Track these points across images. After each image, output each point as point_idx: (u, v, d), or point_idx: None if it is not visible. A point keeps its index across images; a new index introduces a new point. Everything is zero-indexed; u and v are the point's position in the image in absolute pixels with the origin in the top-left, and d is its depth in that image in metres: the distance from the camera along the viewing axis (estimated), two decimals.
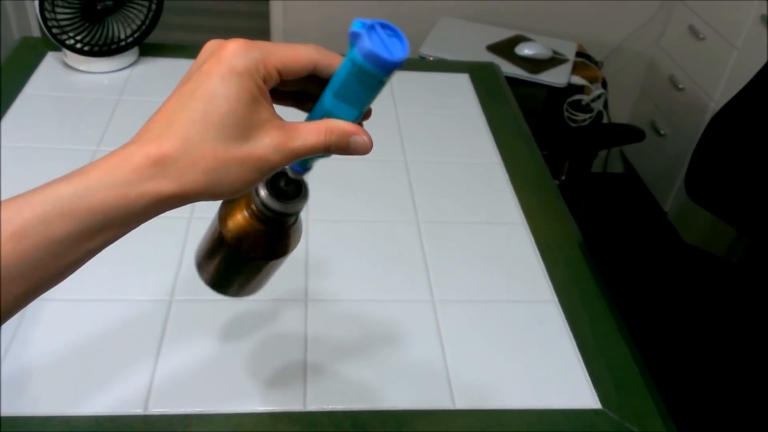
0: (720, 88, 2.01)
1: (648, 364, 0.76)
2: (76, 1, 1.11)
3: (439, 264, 0.85)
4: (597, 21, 2.34)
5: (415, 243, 0.89)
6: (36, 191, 0.36)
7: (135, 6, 1.16)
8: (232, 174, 0.38)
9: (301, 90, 0.44)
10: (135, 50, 1.22)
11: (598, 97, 2.09)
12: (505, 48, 2.05)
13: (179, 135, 0.37)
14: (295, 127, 0.40)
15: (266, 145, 0.38)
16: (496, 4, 2.28)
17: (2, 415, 0.62)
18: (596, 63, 2.18)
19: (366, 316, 0.77)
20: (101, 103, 1.10)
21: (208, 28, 2.32)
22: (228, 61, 0.38)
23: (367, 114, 0.43)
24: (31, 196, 0.35)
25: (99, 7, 1.13)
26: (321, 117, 0.41)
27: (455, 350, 0.74)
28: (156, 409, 0.64)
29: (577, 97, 2.08)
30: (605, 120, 2.18)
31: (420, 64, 1.42)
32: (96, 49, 1.15)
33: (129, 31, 1.17)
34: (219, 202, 0.49)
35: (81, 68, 1.18)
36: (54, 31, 1.12)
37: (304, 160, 0.45)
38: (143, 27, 1.18)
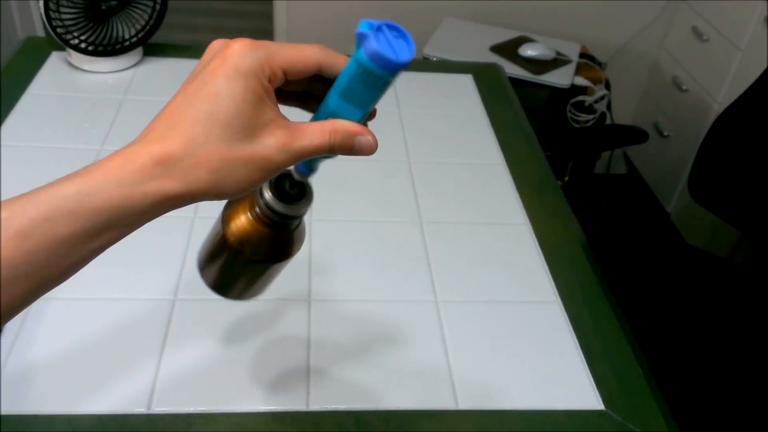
0: (723, 89, 2.00)
1: (651, 366, 0.76)
2: (81, 1, 1.11)
3: (442, 264, 0.85)
4: (600, 22, 2.33)
5: (418, 243, 0.89)
6: (40, 190, 0.36)
7: (139, 6, 1.16)
8: (236, 174, 0.38)
9: (306, 90, 0.44)
10: (139, 50, 1.22)
11: (602, 98, 2.09)
12: (509, 49, 2.05)
13: (184, 135, 0.37)
14: (300, 127, 0.40)
15: (271, 145, 0.38)
16: (499, 5, 2.28)
17: (6, 413, 0.62)
18: (600, 64, 2.18)
19: (369, 317, 0.77)
20: (105, 103, 1.10)
21: (211, 29, 2.32)
22: (233, 61, 0.38)
23: (371, 114, 0.43)
24: (36, 196, 0.35)
25: (103, 7, 1.13)
26: (326, 117, 0.41)
27: (458, 351, 0.74)
28: (159, 408, 0.64)
29: (580, 98, 2.07)
30: (608, 121, 2.18)
31: (423, 64, 1.42)
32: (100, 48, 1.16)
33: (133, 31, 1.17)
34: (222, 202, 0.49)
35: (85, 68, 1.18)
36: (58, 30, 1.12)
37: (310, 160, 0.45)
38: (147, 27, 1.18)
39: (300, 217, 0.48)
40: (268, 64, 0.38)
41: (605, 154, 2.56)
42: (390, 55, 0.38)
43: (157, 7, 1.17)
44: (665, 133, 2.28)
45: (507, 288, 0.83)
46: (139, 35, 1.18)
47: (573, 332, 0.78)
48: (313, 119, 0.42)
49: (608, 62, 2.37)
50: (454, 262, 0.86)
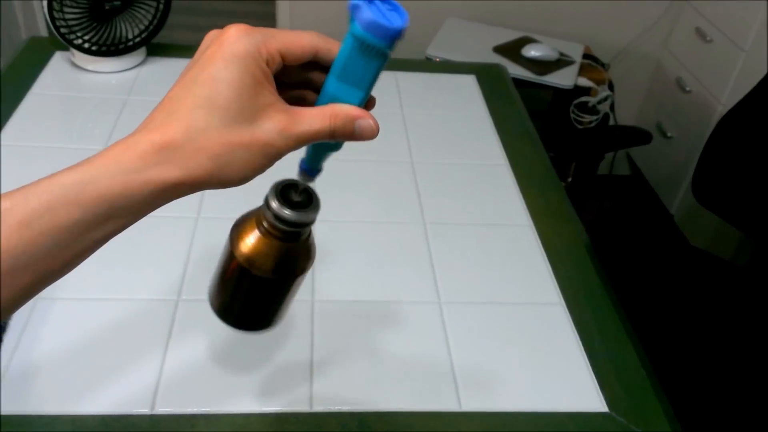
0: (727, 90, 2.00)
1: (655, 367, 0.76)
2: (84, 1, 1.11)
3: (445, 265, 0.85)
4: (604, 23, 2.33)
5: (421, 244, 0.88)
6: (41, 181, 0.36)
7: (143, 6, 1.16)
8: (237, 159, 0.38)
9: (306, 81, 0.43)
10: (142, 50, 1.22)
11: (605, 99, 2.08)
12: (512, 49, 2.04)
13: (183, 121, 0.37)
14: (299, 111, 0.40)
15: (271, 129, 0.38)
16: (502, 5, 2.27)
17: (10, 413, 0.62)
18: (603, 65, 2.18)
19: (372, 317, 0.77)
20: (109, 103, 1.10)
21: (215, 28, 2.32)
22: (229, 46, 0.38)
23: (371, 103, 0.43)
24: (37, 186, 0.35)
25: (107, 7, 1.13)
26: (326, 103, 0.41)
27: (461, 352, 0.74)
28: (162, 409, 0.64)
29: (583, 98, 2.07)
30: (612, 122, 2.17)
31: (426, 65, 1.42)
32: (104, 48, 1.16)
33: (137, 31, 1.17)
34: (227, 225, 0.48)
35: (89, 68, 1.18)
36: (62, 30, 1.12)
37: (314, 159, 0.45)
38: (151, 27, 1.18)
39: (309, 224, 0.47)
40: (264, 48, 0.38)
41: (608, 155, 2.56)
42: (384, 21, 0.37)
43: (161, 7, 1.17)
44: (669, 135, 2.28)
45: (510, 289, 0.83)
46: (143, 35, 1.18)
47: (576, 334, 0.78)
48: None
49: (611, 63, 2.37)
50: (458, 263, 0.86)
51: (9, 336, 0.70)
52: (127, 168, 0.36)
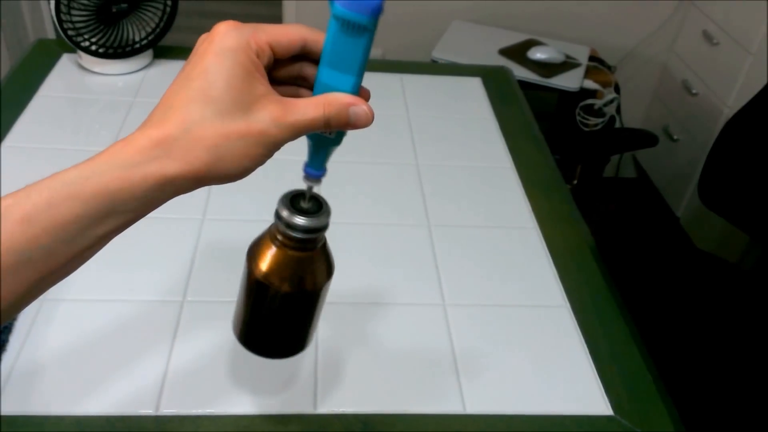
0: (734, 93, 1.99)
1: (660, 371, 0.76)
2: (92, 4, 1.12)
3: (450, 268, 0.85)
4: (610, 25, 2.33)
5: (426, 246, 0.88)
6: (44, 179, 0.37)
7: (149, 9, 1.17)
8: (234, 150, 0.38)
9: (299, 77, 0.44)
10: (149, 52, 1.23)
11: (611, 101, 2.08)
12: (518, 52, 2.04)
13: (179, 115, 0.37)
14: (293, 101, 0.40)
15: (265, 118, 0.39)
16: (508, 7, 2.27)
17: (15, 414, 0.63)
18: (609, 67, 2.17)
19: (377, 319, 0.77)
20: (115, 105, 1.11)
21: None
22: (219, 40, 0.39)
23: (365, 95, 0.43)
24: (39, 183, 0.36)
25: (114, 10, 1.14)
26: (320, 93, 0.41)
27: (466, 354, 0.74)
28: (167, 409, 0.65)
29: (589, 101, 2.07)
30: (618, 125, 2.17)
31: (432, 67, 1.42)
32: (111, 51, 1.16)
33: (143, 34, 1.18)
34: (245, 244, 0.48)
35: (96, 70, 1.19)
36: (69, 33, 1.12)
37: (316, 157, 0.45)
38: (158, 29, 1.19)
39: (323, 229, 0.47)
40: (254, 40, 0.39)
41: (614, 158, 2.55)
42: None
43: (168, 9, 1.18)
44: (675, 137, 2.27)
45: (515, 292, 0.83)
46: (150, 38, 1.19)
47: (581, 336, 0.78)
48: None
49: (618, 66, 2.36)
50: (462, 266, 0.86)
51: (14, 337, 0.70)
52: (126, 163, 0.36)
